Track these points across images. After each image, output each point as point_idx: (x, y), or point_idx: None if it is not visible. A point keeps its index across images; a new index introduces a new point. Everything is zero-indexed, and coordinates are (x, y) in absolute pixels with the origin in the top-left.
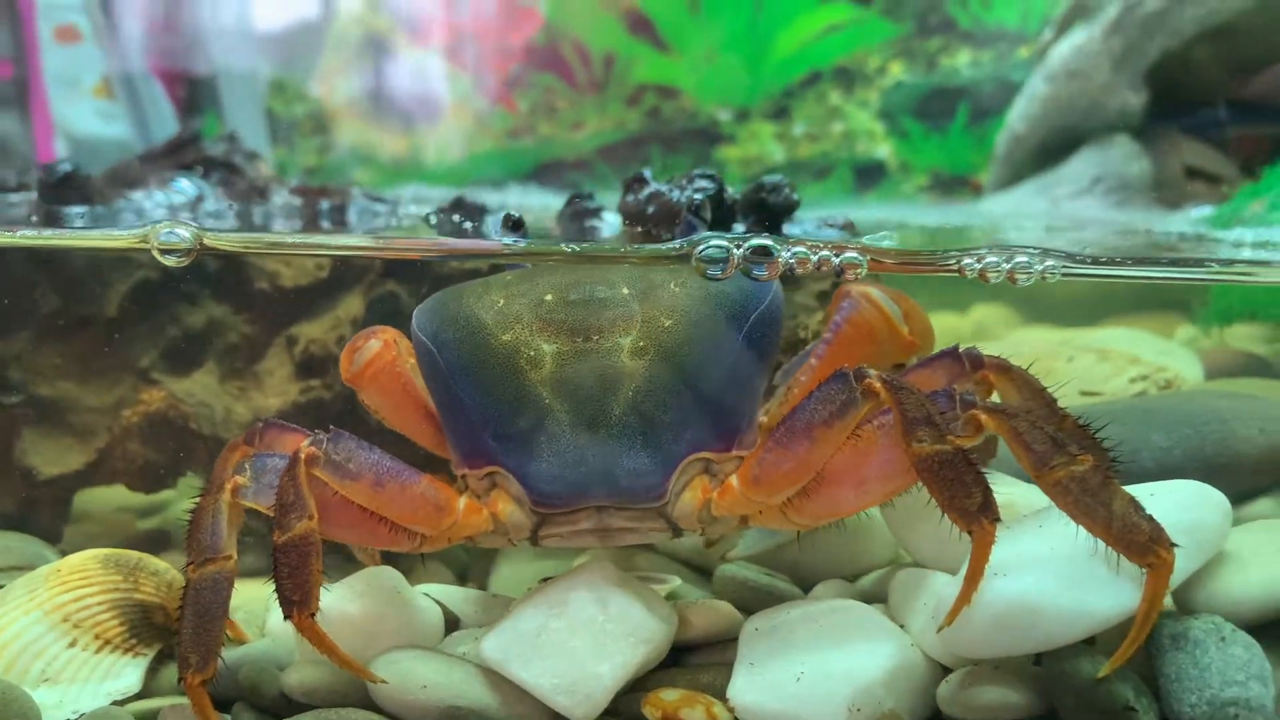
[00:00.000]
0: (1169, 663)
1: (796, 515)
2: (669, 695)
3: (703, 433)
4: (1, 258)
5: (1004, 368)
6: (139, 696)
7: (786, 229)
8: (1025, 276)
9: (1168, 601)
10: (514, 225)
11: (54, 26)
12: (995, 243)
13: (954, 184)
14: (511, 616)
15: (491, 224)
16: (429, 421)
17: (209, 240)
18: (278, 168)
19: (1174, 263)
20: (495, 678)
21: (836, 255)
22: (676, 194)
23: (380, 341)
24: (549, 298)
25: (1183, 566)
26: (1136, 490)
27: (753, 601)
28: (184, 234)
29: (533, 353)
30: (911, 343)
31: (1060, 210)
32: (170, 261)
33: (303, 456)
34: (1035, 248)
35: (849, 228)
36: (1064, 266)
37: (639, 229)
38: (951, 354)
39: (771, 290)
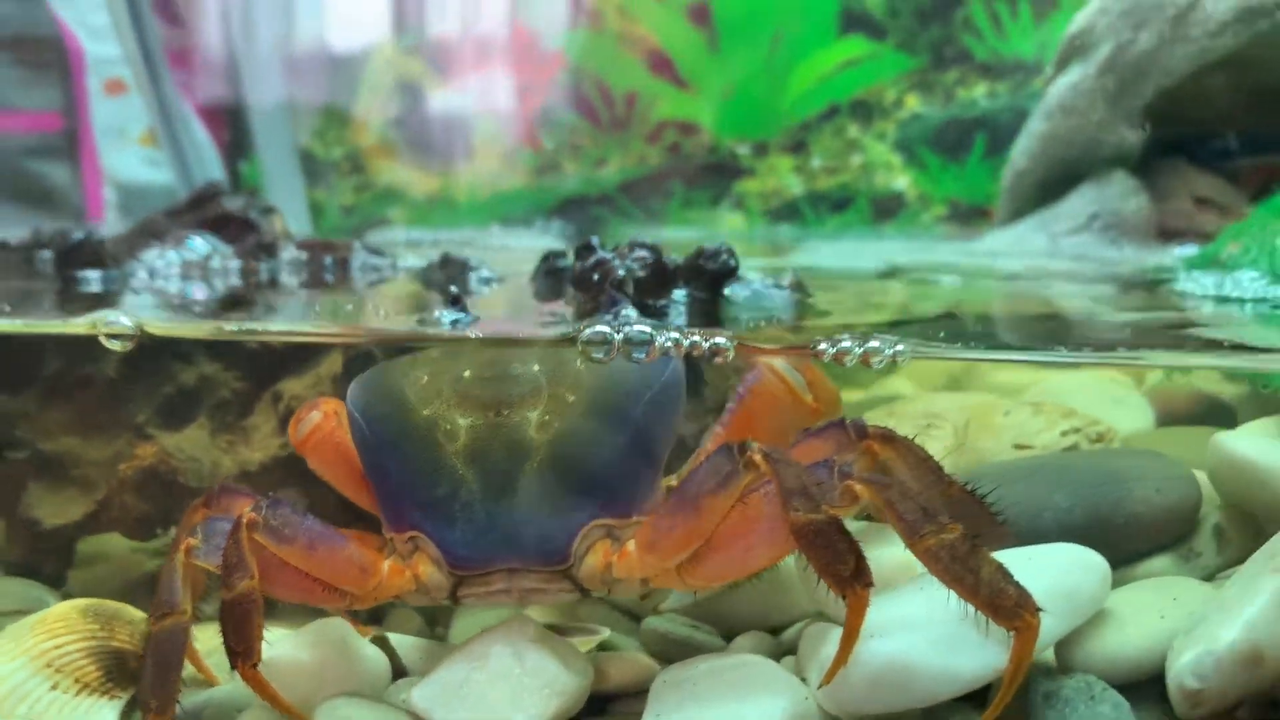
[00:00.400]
0: None
1: (690, 578)
2: None
3: (603, 501)
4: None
5: (888, 438)
6: None
7: (730, 291)
8: (878, 359)
9: (1050, 659)
10: (453, 301)
11: (103, 80)
12: (848, 330)
13: (972, 214)
14: (440, 667)
15: (473, 279)
16: (365, 486)
17: (149, 328)
18: (315, 208)
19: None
20: None
21: (706, 340)
22: (617, 263)
23: (321, 413)
24: (467, 374)
25: (1054, 628)
26: (1017, 554)
27: (674, 653)
28: (126, 321)
29: (449, 426)
30: (815, 410)
31: (1057, 247)
32: (116, 346)
33: (244, 522)
34: (889, 336)
35: (797, 287)
36: (914, 351)
37: (585, 294)
38: (838, 425)
39: (669, 368)
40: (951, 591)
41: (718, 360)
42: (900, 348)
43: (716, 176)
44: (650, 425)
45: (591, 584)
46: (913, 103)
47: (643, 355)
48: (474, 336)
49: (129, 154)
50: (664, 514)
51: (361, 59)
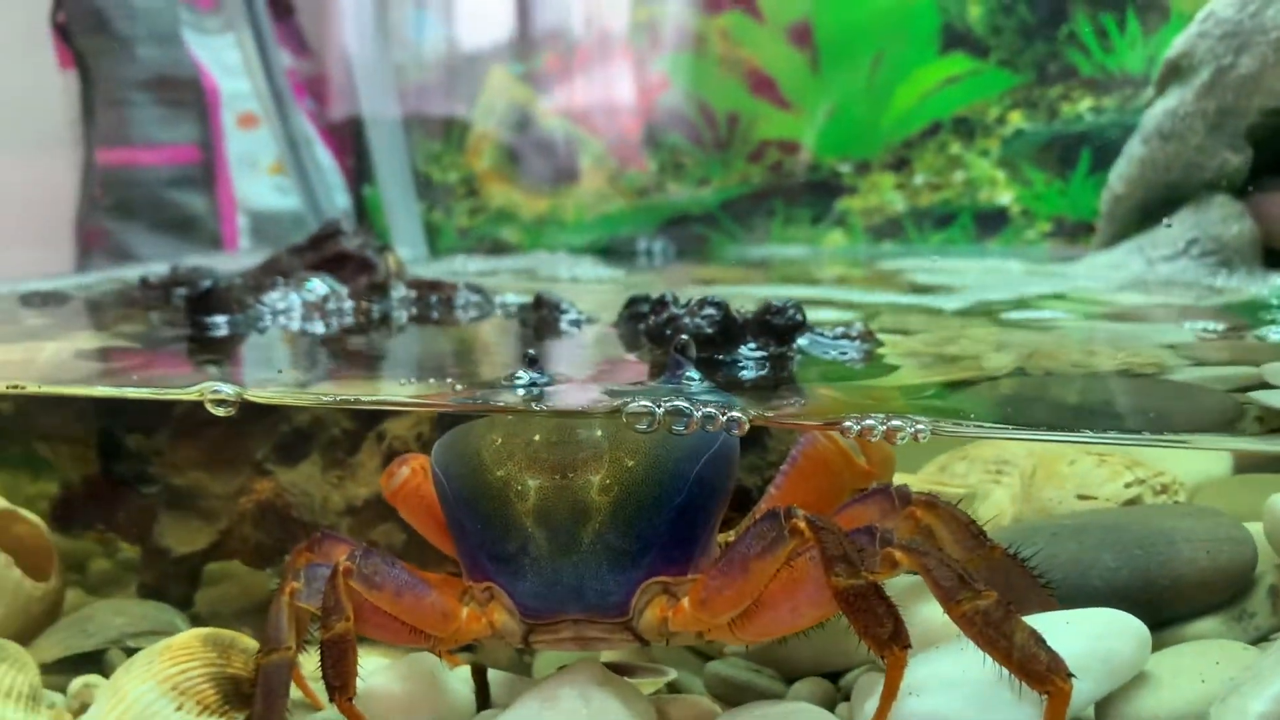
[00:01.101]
0: None
1: (741, 634)
2: None
3: (660, 559)
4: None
5: (930, 504)
6: None
7: (801, 343)
8: (901, 436)
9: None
10: (531, 363)
11: (236, 115)
12: (870, 412)
13: (1077, 230)
14: (515, 705)
15: (563, 321)
16: (448, 536)
17: (248, 396)
18: (426, 230)
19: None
20: None
21: (724, 414)
22: (688, 320)
23: (409, 469)
24: (537, 438)
25: (1088, 691)
26: (1054, 618)
27: (734, 696)
28: (228, 390)
29: (520, 487)
30: (868, 472)
31: (1154, 272)
32: (220, 412)
33: (340, 570)
34: (909, 416)
35: (867, 337)
36: (933, 427)
37: (658, 347)
38: (883, 492)
39: (723, 434)
40: (987, 656)
41: (735, 430)
42: (921, 427)
43: (818, 194)
44: (705, 487)
45: (650, 635)
46: (1016, 119)
47: (682, 429)
48: (535, 408)
49: (260, 183)
50: (715, 574)
51: (476, 85)
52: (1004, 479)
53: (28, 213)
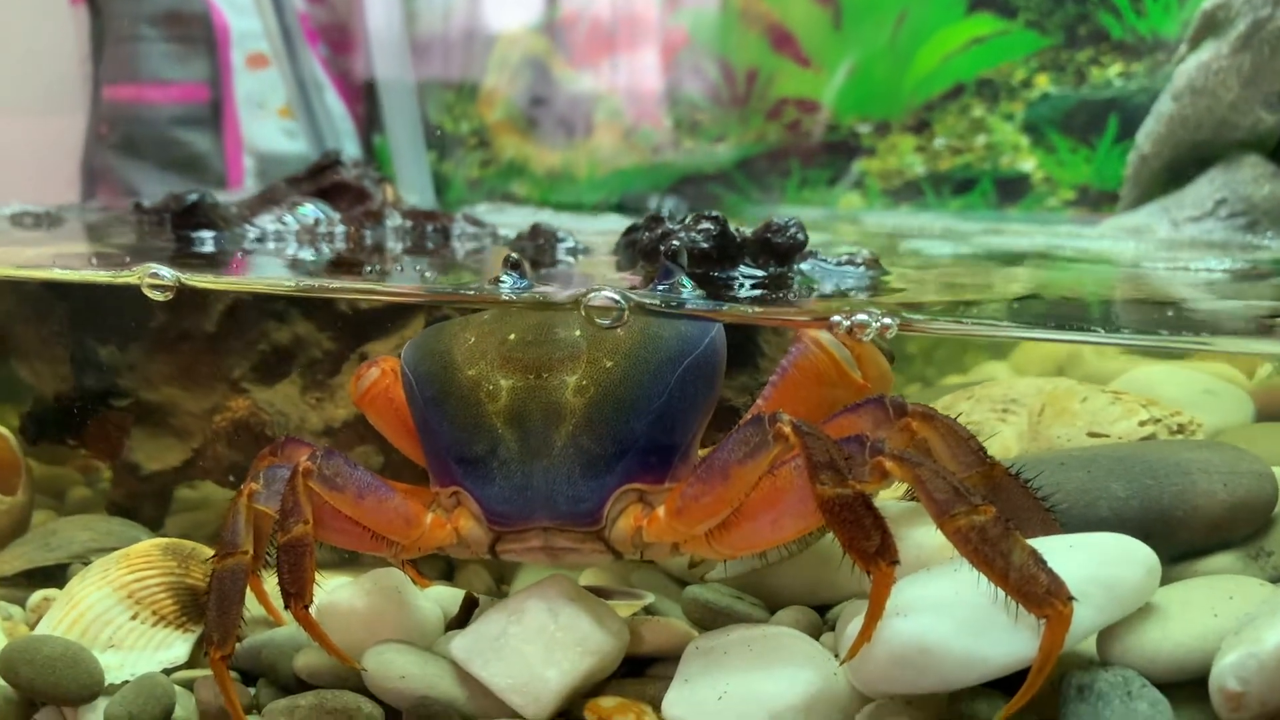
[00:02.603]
0: (1071, 714)
1: (719, 545)
2: (607, 702)
3: (636, 466)
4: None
5: (927, 416)
6: (186, 666)
7: (805, 267)
8: (863, 331)
9: (1091, 651)
10: (513, 265)
11: (246, 54)
12: (912, 306)
13: (1102, 200)
14: (481, 619)
15: (560, 249)
16: (417, 442)
17: (186, 280)
18: (436, 180)
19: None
20: (466, 674)
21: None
22: (684, 235)
23: (380, 370)
24: (512, 337)
25: (1089, 619)
26: (1057, 541)
27: (713, 621)
28: (167, 274)
29: (491, 387)
30: (863, 387)
31: (1179, 234)
32: (157, 296)
33: (300, 470)
34: (876, 309)
35: (873, 264)
36: (904, 322)
37: (651, 265)
38: (877, 402)
39: (708, 336)
40: (982, 575)
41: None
42: (887, 320)
43: (836, 155)
44: (686, 392)
45: (623, 546)
46: (1043, 82)
47: (607, 322)
48: (504, 297)
49: (268, 125)
50: (694, 481)
51: (492, 36)
52: (1011, 418)
53: (36, 150)
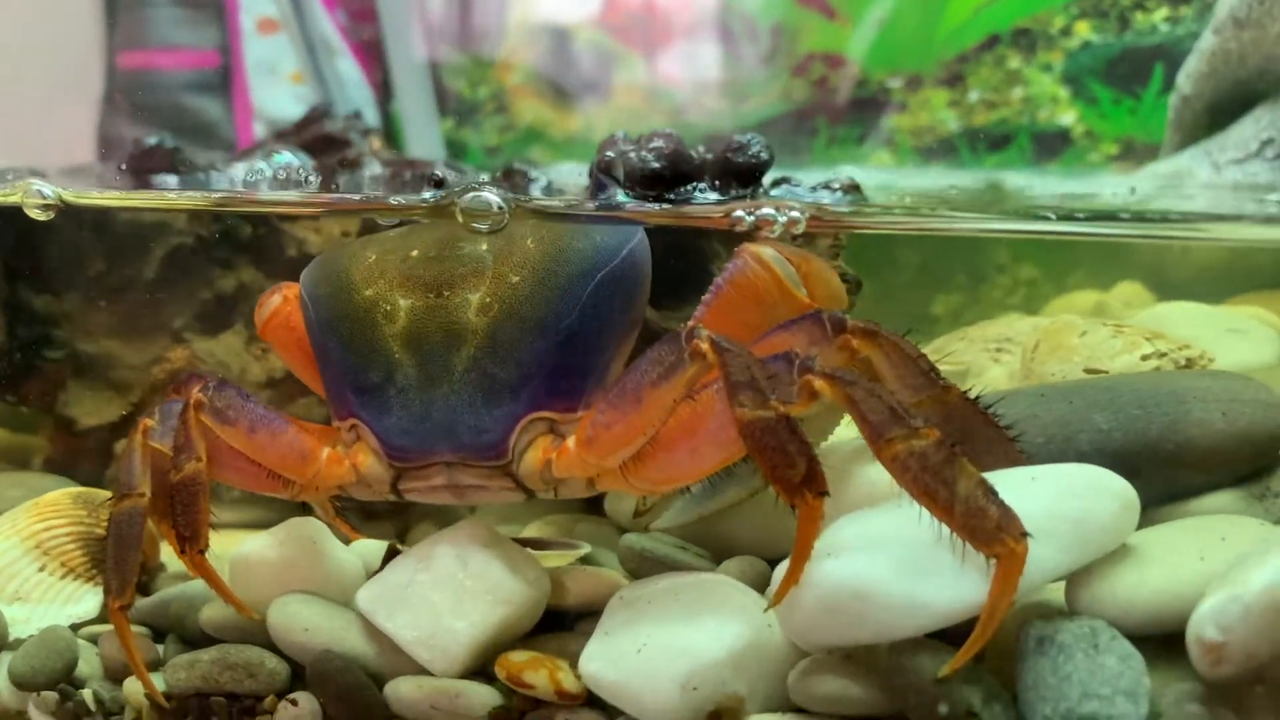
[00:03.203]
0: (1028, 669)
1: (636, 480)
2: (518, 657)
3: (544, 392)
4: (52, 225)
5: (869, 332)
6: (96, 621)
7: (775, 194)
8: (769, 227)
9: (1059, 601)
10: (436, 184)
11: (256, 19)
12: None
13: (1146, 154)
14: (389, 568)
15: (533, 189)
16: (318, 373)
17: (67, 197)
18: (454, 148)
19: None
20: (374, 628)
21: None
22: (633, 154)
23: (281, 297)
24: (415, 253)
25: (1050, 560)
26: (1017, 473)
27: (651, 571)
28: (48, 191)
29: (389, 307)
30: (808, 306)
31: (1221, 177)
32: (39, 215)
33: (191, 403)
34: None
35: (851, 189)
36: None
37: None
38: (813, 317)
39: (626, 247)
40: (924, 510)
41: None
42: (795, 214)
43: (865, 112)
44: (601, 308)
45: (532, 482)
46: (1083, 30)
47: (484, 227)
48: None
49: (279, 90)
50: (604, 407)
51: (501, 12)
52: (1004, 357)
53: (53, 119)
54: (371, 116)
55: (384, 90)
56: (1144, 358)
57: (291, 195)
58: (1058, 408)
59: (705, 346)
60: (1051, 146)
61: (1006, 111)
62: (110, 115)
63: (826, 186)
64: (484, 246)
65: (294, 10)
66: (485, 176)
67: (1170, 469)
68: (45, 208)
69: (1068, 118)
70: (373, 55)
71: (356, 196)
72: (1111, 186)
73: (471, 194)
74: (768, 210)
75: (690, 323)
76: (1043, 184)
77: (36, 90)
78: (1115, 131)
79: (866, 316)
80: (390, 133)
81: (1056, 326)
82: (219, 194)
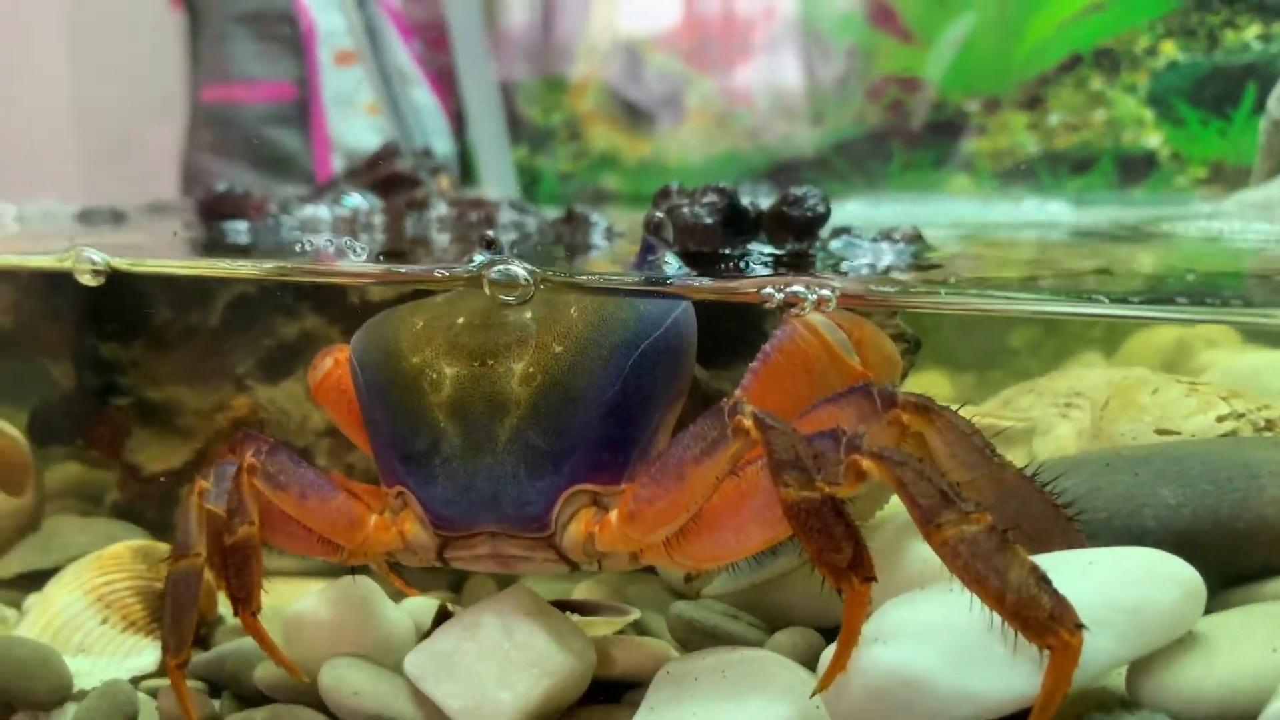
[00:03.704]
0: None
1: (680, 556)
2: None
3: (586, 464)
4: (119, 272)
5: (922, 407)
6: (154, 675)
7: (834, 246)
8: (801, 304)
9: (1119, 688)
10: (488, 245)
11: (333, 51)
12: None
13: (1237, 176)
14: (436, 635)
15: (595, 234)
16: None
17: (115, 264)
18: (527, 175)
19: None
20: (422, 694)
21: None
22: (686, 210)
23: (333, 360)
24: (461, 320)
25: (1107, 650)
26: (1075, 556)
27: (699, 642)
28: (98, 257)
29: (435, 375)
30: (861, 374)
31: None
32: (90, 281)
33: (244, 467)
34: (821, 279)
35: (913, 239)
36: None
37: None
38: (862, 390)
39: (671, 316)
40: (974, 597)
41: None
42: (825, 291)
43: (941, 136)
44: (645, 379)
45: (575, 554)
46: (1169, 49)
47: (512, 298)
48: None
49: (356, 122)
50: (646, 482)
51: (580, 25)
52: (1073, 413)
53: (137, 153)
54: (446, 145)
55: (459, 119)
56: (1219, 419)
57: (343, 266)
58: (1122, 480)
59: (749, 423)
60: (1136, 170)
61: (1088, 134)
62: (193, 148)
63: (888, 237)
64: (528, 315)
65: (370, 42)
66: (550, 214)
67: (1242, 549)
68: (96, 273)
69: (1153, 140)
70: (448, 84)
71: (403, 269)
72: (1198, 212)
73: (499, 268)
74: (798, 288)
75: (735, 395)
76: (1126, 211)
77: (123, 124)
78: (1204, 154)
79: (944, 352)
80: (465, 162)
81: (1128, 384)
82: (270, 265)
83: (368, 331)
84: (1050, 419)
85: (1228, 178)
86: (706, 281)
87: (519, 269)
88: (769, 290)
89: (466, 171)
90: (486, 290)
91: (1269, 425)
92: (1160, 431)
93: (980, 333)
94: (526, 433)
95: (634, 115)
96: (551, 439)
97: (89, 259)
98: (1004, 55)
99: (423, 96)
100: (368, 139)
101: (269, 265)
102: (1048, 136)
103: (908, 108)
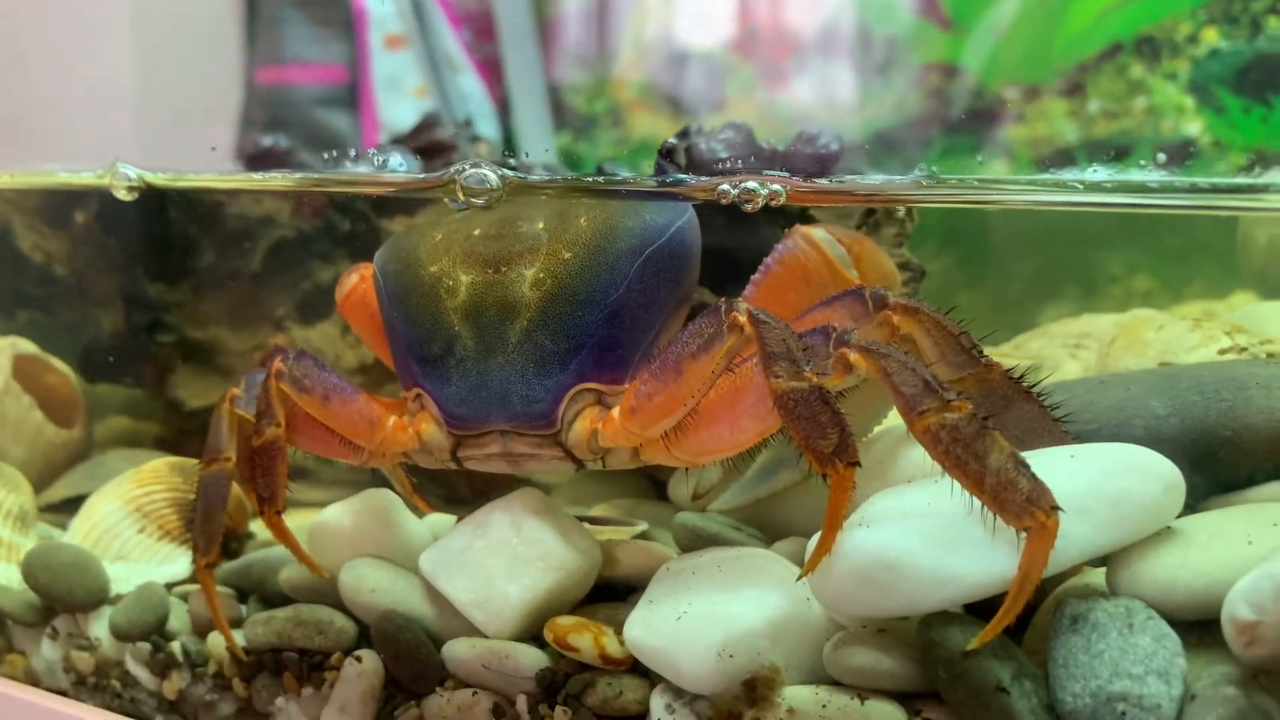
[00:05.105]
0: (1061, 646)
1: (677, 450)
2: (565, 620)
3: (591, 364)
4: (168, 218)
5: (911, 309)
6: (186, 581)
7: None
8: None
9: (1099, 582)
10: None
11: (383, 35)
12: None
13: (1278, 163)
14: (449, 534)
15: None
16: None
17: (149, 179)
18: (567, 159)
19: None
20: (435, 591)
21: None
22: (703, 145)
23: (359, 276)
24: (477, 232)
25: (1086, 537)
26: (1055, 451)
27: (701, 549)
28: (131, 172)
29: (451, 283)
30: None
31: None
32: (125, 196)
33: (272, 371)
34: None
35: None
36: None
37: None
38: (855, 293)
39: (674, 224)
40: (956, 482)
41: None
42: (776, 187)
43: (980, 123)
44: (648, 284)
45: (580, 451)
46: (1211, 36)
47: (480, 202)
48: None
49: (404, 105)
50: (646, 378)
51: (625, 11)
52: (1081, 353)
53: (195, 132)
54: (491, 130)
55: (505, 106)
56: (1221, 351)
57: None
58: (1114, 394)
59: (743, 318)
60: (1176, 158)
61: (1128, 122)
62: (247, 130)
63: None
64: (540, 225)
65: (419, 28)
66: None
67: (1227, 456)
68: (131, 189)
69: (1193, 127)
70: (495, 72)
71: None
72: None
73: (469, 171)
74: (751, 184)
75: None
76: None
77: (182, 104)
78: (1245, 141)
79: (978, 328)
80: (509, 146)
81: (1135, 321)
82: (299, 175)
83: (391, 245)
84: (1059, 358)
85: (1270, 164)
86: (661, 180)
87: (490, 173)
88: (725, 187)
89: (510, 154)
90: (460, 195)
91: (1272, 357)
92: (1163, 364)
93: (1014, 311)
94: (535, 334)
95: (676, 105)
96: (559, 340)
97: (125, 175)
98: (1044, 44)
99: (469, 83)
100: (415, 121)
101: (298, 176)
102: (1087, 124)
103: (948, 95)
